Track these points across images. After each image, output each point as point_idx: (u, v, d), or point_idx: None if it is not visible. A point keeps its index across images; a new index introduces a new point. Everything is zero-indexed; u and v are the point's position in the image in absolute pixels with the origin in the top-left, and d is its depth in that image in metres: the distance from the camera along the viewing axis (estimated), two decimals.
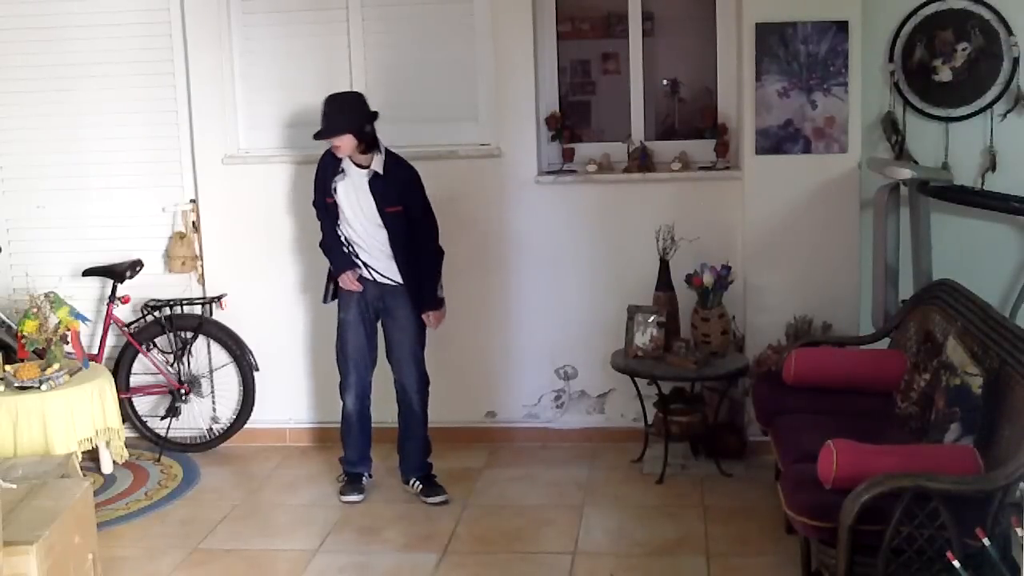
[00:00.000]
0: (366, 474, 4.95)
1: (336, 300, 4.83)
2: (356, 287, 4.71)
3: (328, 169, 4.71)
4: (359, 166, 4.63)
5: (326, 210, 4.75)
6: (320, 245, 4.83)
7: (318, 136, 4.61)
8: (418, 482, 4.82)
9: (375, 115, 4.64)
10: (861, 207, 4.99)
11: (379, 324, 4.83)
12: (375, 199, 4.61)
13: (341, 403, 4.87)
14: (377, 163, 4.61)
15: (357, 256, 4.71)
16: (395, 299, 4.72)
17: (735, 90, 5.23)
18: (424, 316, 4.70)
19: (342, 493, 4.86)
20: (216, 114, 5.41)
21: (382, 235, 4.64)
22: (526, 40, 5.23)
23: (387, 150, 4.66)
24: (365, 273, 4.72)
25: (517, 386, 5.44)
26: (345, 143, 4.56)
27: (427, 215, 4.71)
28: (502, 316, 5.39)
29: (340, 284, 4.75)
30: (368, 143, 4.60)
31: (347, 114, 4.58)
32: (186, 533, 4.55)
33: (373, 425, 4.92)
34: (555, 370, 5.42)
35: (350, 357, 4.81)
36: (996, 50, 4.98)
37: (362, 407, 4.88)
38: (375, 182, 4.61)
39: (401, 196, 4.63)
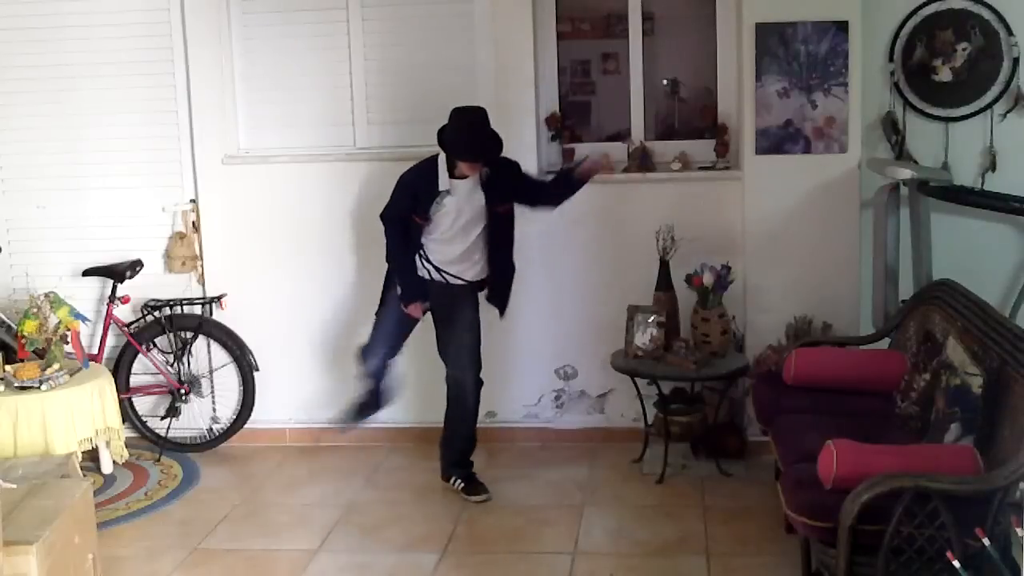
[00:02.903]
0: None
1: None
2: (419, 316, 4.70)
3: (421, 188, 4.57)
4: (462, 177, 4.54)
5: (406, 226, 4.61)
6: (391, 259, 4.72)
7: (475, 158, 4.48)
8: (460, 480, 4.81)
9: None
10: (861, 207, 4.99)
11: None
12: (487, 199, 4.56)
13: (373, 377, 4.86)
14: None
15: (432, 264, 4.63)
16: (463, 298, 4.67)
17: (735, 90, 5.23)
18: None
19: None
20: (216, 114, 5.41)
21: (480, 238, 4.60)
22: (526, 40, 5.22)
23: None
24: (437, 276, 4.65)
25: (517, 386, 5.44)
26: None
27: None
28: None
29: (406, 311, 4.68)
30: None
31: (495, 135, 4.52)
32: (186, 533, 4.55)
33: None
34: (555, 370, 5.42)
35: (387, 334, 4.77)
36: (996, 50, 4.98)
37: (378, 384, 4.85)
38: (489, 183, 4.55)
39: (514, 189, 4.62)
